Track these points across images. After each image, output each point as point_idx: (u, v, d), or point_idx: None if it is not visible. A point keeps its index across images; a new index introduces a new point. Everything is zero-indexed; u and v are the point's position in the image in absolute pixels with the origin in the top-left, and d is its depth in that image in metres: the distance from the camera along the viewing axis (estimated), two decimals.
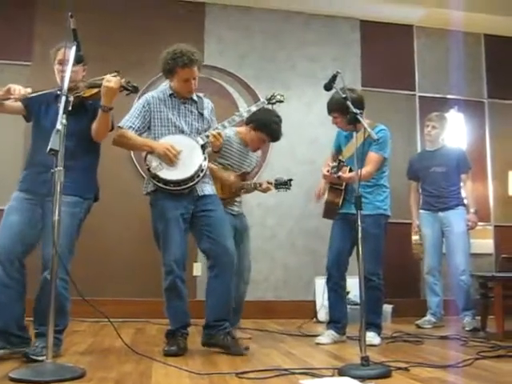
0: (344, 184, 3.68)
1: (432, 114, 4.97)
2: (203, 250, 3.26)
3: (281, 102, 3.64)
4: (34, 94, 2.90)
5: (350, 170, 3.60)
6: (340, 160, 3.61)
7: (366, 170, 3.50)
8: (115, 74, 2.94)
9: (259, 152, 4.14)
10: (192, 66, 3.19)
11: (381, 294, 3.64)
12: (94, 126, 2.98)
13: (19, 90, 2.83)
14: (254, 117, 3.76)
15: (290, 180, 3.97)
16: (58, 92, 2.86)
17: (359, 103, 3.52)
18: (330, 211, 3.77)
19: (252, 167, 4.04)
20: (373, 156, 3.59)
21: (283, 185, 3.96)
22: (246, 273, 3.90)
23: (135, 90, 3.06)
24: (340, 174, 3.53)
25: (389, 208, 3.73)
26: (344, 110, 3.49)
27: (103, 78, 2.90)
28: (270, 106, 3.68)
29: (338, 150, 3.92)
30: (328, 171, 3.56)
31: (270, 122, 3.76)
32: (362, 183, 3.62)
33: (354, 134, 3.02)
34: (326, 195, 3.79)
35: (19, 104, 3.03)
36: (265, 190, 3.94)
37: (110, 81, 2.85)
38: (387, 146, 3.65)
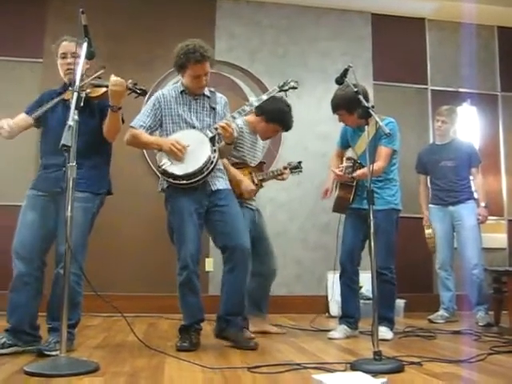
0: (355, 180, 3.67)
1: (441, 108, 4.94)
2: (218, 245, 3.27)
3: (295, 88, 3.55)
4: (37, 113, 2.93)
5: (362, 166, 3.59)
6: (355, 161, 3.59)
7: (378, 164, 3.48)
8: (102, 69, 2.95)
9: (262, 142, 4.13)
10: (203, 62, 3.18)
11: (393, 288, 3.63)
12: (105, 126, 2.99)
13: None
14: (264, 108, 3.71)
15: (300, 162, 4.04)
16: (69, 88, 2.87)
17: (364, 97, 3.53)
18: (340, 206, 3.76)
19: (261, 155, 4.04)
20: (383, 150, 3.57)
21: (296, 168, 4.02)
22: (276, 264, 3.94)
23: (143, 93, 3.02)
24: (354, 174, 3.53)
25: (400, 202, 3.71)
26: (349, 107, 3.53)
27: (108, 79, 2.89)
28: (282, 94, 3.63)
29: (345, 146, 3.91)
30: (341, 171, 3.55)
31: (282, 112, 3.76)
32: (372, 178, 3.63)
33: (366, 127, 3.00)
34: (336, 191, 3.78)
35: (27, 120, 3.05)
36: (284, 178, 3.97)
37: (116, 84, 2.83)
38: (396, 138, 3.62)
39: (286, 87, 3.55)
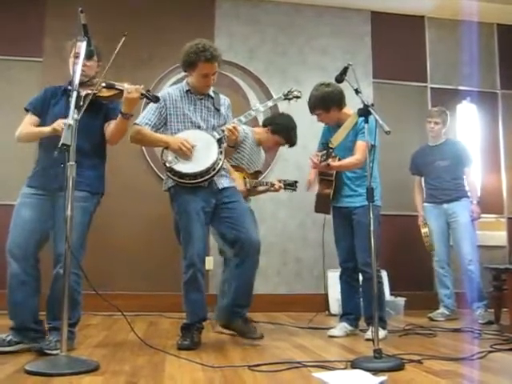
0: (334, 175, 3.67)
1: (432, 110, 5.01)
2: (229, 240, 3.27)
3: (298, 97, 3.63)
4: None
5: (335, 155, 3.58)
6: (329, 147, 3.55)
7: (356, 158, 3.52)
8: (124, 36, 2.90)
9: (263, 153, 4.21)
10: (213, 61, 3.20)
11: (379, 285, 3.53)
12: (111, 129, 3.00)
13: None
14: (273, 120, 4.04)
15: (296, 182, 4.17)
16: (69, 87, 2.87)
17: (342, 97, 3.63)
18: (321, 204, 3.76)
19: (260, 167, 4.13)
20: (360, 144, 3.54)
21: (291, 186, 4.17)
22: None
23: (156, 99, 3.06)
24: (330, 161, 3.50)
25: (380, 199, 3.65)
26: (325, 105, 3.61)
27: (122, 85, 2.91)
28: (286, 102, 3.67)
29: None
30: (318, 160, 3.53)
31: (289, 127, 3.97)
32: (350, 175, 3.64)
33: (366, 124, 2.98)
34: (316, 187, 3.79)
35: (36, 119, 3.06)
36: (277, 190, 4.12)
37: (131, 92, 2.87)
38: (373, 133, 3.48)
39: (291, 96, 3.64)
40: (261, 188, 4.07)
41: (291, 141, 4.08)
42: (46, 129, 2.90)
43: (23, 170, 3.09)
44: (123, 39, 2.87)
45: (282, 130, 4.01)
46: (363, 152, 3.50)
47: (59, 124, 2.79)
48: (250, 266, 3.23)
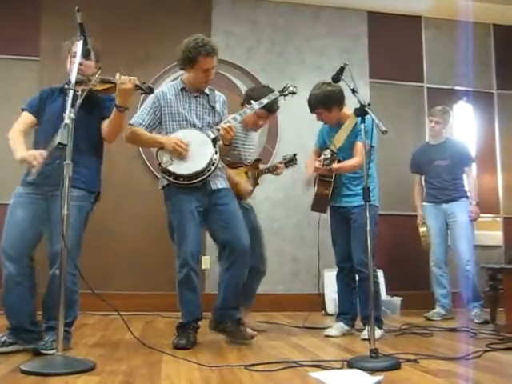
0: (333, 176, 3.66)
1: (435, 109, 4.98)
2: (219, 242, 3.29)
3: (294, 93, 3.62)
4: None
5: (339, 162, 3.59)
6: (333, 151, 3.55)
7: (356, 160, 3.51)
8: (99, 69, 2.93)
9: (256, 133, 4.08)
10: (214, 55, 3.19)
11: (375, 285, 3.51)
12: (107, 125, 2.99)
13: (36, 161, 2.73)
14: (248, 94, 3.78)
15: (295, 155, 3.98)
16: (66, 86, 2.86)
17: (342, 96, 3.59)
18: (319, 203, 3.75)
19: (255, 149, 4.01)
20: (359, 145, 3.51)
21: (291, 161, 3.97)
22: (262, 265, 3.90)
23: (150, 90, 3.04)
24: (332, 165, 3.51)
25: (377, 199, 3.67)
26: (327, 104, 3.58)
27: (116, 78, 2.89)
28: (282, 98, 3.65)
29: (323, 146, 3.86)
30: (320, 163, 3.52)
31: (263, 94, 3.64)
32: (348, 175, 3.63)
33: (363, 124, 2.97)
34: (315, 188, 3.77)
35: (32, 118, 3.04)
36: (279, 173, 3.95)
37: (125, 82, 2.85)
38: (372, 134, 3.44)
39: (286, 92, 3.61)
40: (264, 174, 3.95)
41: (267, 106, 3.66)
42: (17, 154, 2.83)
43: (20, 170, 3.07)
44: (98, 72, 2.89)
45: (257, 97, 3.63)
46: (361, 153, 3.49)
47: (31, 157, 2.74)
48: (240, 268, 3.23)
